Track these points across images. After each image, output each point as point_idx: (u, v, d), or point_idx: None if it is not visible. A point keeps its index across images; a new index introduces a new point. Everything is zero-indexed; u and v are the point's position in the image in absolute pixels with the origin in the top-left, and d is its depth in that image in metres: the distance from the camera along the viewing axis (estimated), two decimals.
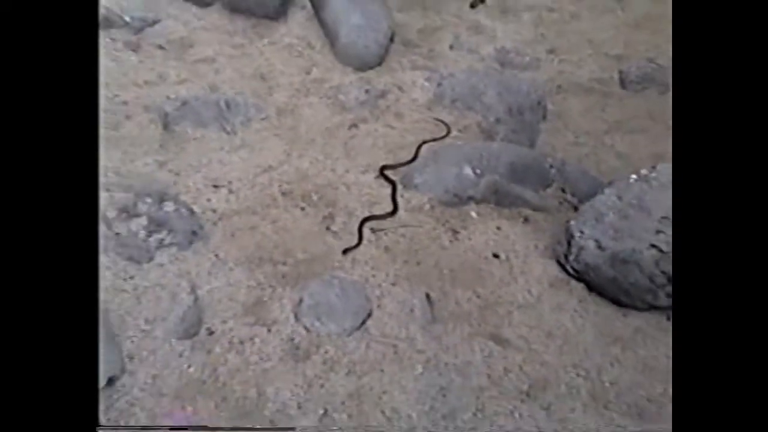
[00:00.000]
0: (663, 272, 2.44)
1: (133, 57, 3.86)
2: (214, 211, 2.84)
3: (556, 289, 2.61)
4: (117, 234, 2.56)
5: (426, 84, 3.77)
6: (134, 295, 2.41)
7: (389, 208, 2.93)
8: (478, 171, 3.01)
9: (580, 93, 4.04)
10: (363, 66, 3.98)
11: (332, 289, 2.46)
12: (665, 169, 2.69)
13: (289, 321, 2.40)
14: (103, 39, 3.90)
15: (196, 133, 3.34)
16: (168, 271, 2.53)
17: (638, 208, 2.60)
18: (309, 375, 2.22)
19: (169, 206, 2.70)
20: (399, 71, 3.98)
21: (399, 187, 3.05)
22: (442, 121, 3.51)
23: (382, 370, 2.25)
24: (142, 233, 2.58)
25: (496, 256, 2.74)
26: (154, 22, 4.12)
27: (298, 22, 4.29)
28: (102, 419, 2.05)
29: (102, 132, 3.16)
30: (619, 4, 4.99)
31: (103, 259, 2.50)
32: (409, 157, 3.24)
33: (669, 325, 2.48)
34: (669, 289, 2.44)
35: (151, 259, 2.55)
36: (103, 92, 3.45)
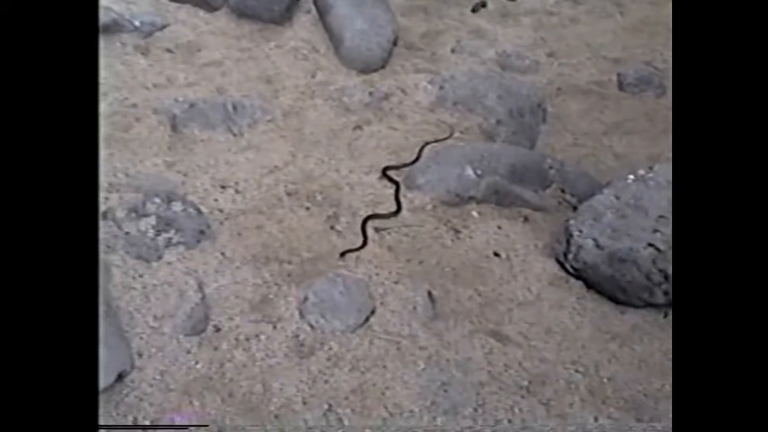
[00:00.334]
0: (660, 270, 2.47)
1: (143, 61, 3.89)
2: (221, 210, 2.88)
3: (555, 287, 2.64)
4: (126, 233, 2.61)
5: (428, 87, 3.79)
6: (143, 292, 2.46)
7: (392, 208, 2.96)
8: (479, 172, 3.04)
9: (579, 95, 4.06)
10: (367, 69, 4.00)
11: (336, 287, 2.51)
12: (662, 170, 2.73)
13: (294, 318, 2.44)
14: (113, 43, 3.93)
15: (204, 135, 3.37)
16: (176, 269, 2.57)
17: (635, 207, 2.63)
18: (313, 371, 2.26)
19: (177, 206, 2.74)
20: (402, 74, 4.00)
21: (402, 187, 3.08)
22: (446, 123, 3.54)
23: (385, 366, 2.29)
24: (151, 232, 2.63)
25: (496, 254, 2.77)
26: (163, 27, 4.14)
27: (303, 27, 4.31)
28: (112, 413, 2.09)
29: (112, 133, 3.21)
30: (618, 8, 5.00)
31: (113, 258, 2.54)
32: (412, 158, 3.27)
33: (666, 322, 2.51)
34: (666, 286, 2.47)
35: (159, 257, 2.59)
36: (113, 95, 3.49)
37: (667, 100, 4.02)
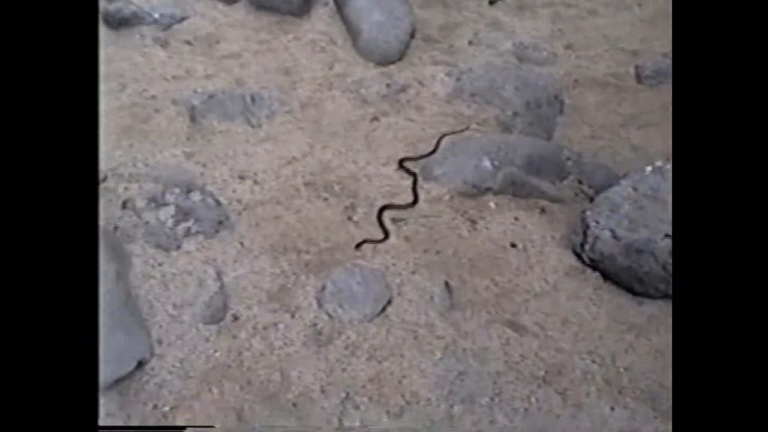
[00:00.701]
0: None
1: (162, 53, 3.92)
2: (239, 201, 2.90)
3: (572, 278, 2.64)
4: (146, 223, 2.64)
5: (446, 78, 3.79)
6: (162, 281, 2.49)
7: (409, 199, 2.98)
8: (496, 163, 3.04)
9: (597, 87, 4.04)
10: (384, 61, 4.01)
11: (354, 276, 2.53)
12: None
13: (312, 307, 2.46)
14: (133, 35, 3.98)
15: (222, 126, 3.39)
16: (195, 258, 2.60)
17: (653, 199, 2.63)
18: (331, 359, 2.28)
19: (196, 196, 2.78)
20: (419, 66, 4.00)
21: (419, 178, 3.09)
22: (463, 116, 3.54)
23: (402, 355, 2.31)
24: (170, 222, 2.66)
25: (513, 245, 2.78)
26: (182, 19, 4.17)
27: (321, 19, 4.33)
28: (132, 400, 2.13)
29: (131, 125, 3.25)
30: (636, 0, 4.97)
31: (133, 247, 2.58)
32: (429, 150, 3.27)
33: None
34: None
35: (178, 247, 2.63)
36: (132, 87, 3.53)
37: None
